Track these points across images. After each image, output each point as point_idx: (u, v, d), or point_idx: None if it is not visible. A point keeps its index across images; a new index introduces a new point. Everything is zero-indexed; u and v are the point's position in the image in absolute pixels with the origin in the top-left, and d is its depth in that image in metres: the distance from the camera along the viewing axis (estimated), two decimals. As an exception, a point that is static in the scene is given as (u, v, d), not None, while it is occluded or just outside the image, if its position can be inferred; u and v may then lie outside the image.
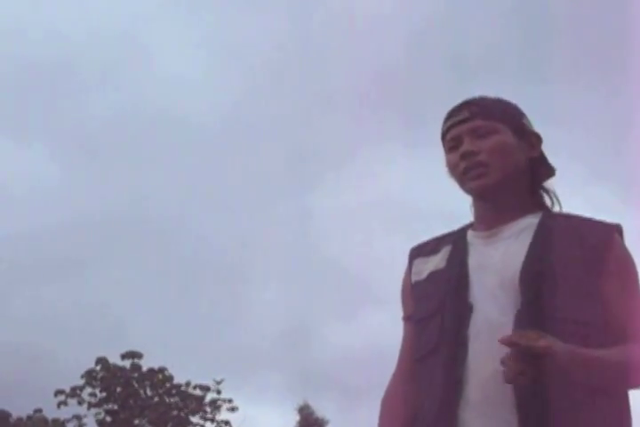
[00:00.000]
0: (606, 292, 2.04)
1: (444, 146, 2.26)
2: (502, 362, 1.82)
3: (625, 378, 2.00)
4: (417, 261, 2.29)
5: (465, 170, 2.16)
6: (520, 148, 2.19)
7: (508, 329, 1.95)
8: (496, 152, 2.15)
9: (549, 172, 2.26)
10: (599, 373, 1.95)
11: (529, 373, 1.80)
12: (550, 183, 2.27)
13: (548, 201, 2.26)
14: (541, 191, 2.26)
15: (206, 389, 18.88)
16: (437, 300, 2.13)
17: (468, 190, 2.20)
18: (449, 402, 2.02)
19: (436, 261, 2.22)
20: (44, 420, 18.32)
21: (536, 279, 2.02)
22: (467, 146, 2.16)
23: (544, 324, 1.96)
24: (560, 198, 2.27)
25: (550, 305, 2.00)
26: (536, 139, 2.24)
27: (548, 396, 1.93)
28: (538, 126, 2.26)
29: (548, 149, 2.26)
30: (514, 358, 1.80)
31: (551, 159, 2.26)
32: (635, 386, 2.04)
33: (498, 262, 2.10)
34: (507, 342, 1.79)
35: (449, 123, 2.24)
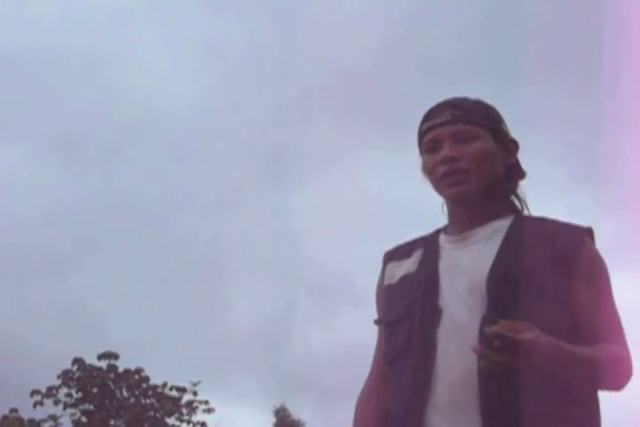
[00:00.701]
0: (577, 294, 2.04)
1: (420, 146, 2.24)
2: (481, 353, 1.80)
3: (597, 376, 1.99)
4: (390, 265, 2.29)
5: (444, 175, 2.15)
6: (499, 154, 2.19)
7: (475, 333, 1.95)
8: (477, 160, 2.13)
9: (521, 175, 2.26)
10: (576, 368, 1.95)
11: (508, 364, 1.79)
12: (527, 187, 2.28)
13: (518, 205, 2.26)
14: (513, 196, 2.26)
15: (183, 390, 18.82)
16: (407, 303, 2.14)
17: (444, 196, 2.19)
18: (416, 405, 2.02)
19: (408, 265, 2.22)
20: (20, 420, 18.20)
21: (503, 283, 2.01)
22: (447, 151, 2.14)
23: None
24: (539, 203, 2.28)
25: (516, 309, 1.99)
26: (514, 145, 2.24)
27: (515, 401, 1.93)
28: (515, 130, 2.26)
29: (526, 153, 2.26)
30: (497, 349, 1.77)
31: (530, 163, 2.26)
32: (605, 385, 2.04)
33: (467, 266, 2.09)
34: (493, 335, 1.77)
35: (429, 124, 2.20)
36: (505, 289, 2.01)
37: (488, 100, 2.26)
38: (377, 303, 2.32)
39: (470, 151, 2.14)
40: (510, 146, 2.23)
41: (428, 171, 2.20)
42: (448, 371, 2.00)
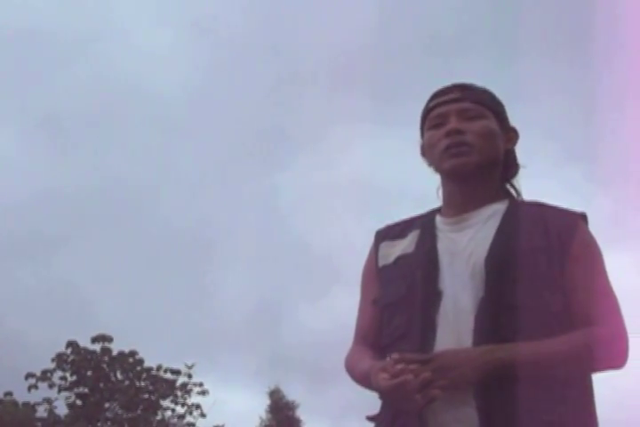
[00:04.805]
0: (571, 277, 2.05)
1: (424, 124, 2.25)
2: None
3: (582, 363, 2.01)
4: (383, 245, 2.26)
5: (447, 147, 2.15)
6: (501, 137, 2.21)
7: (473, 316, 1.98)
8: (482, 135, 2.16)
9: (517, 168, 2.28)
10: (549, 364, 1.97)
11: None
12: (521, 163, 2.29)
13: (512, 192, 2.27)
14: (507, 183, 2.27)
15: (177, 372, 18.88)
16: (406, 285, 2.12)
17: (445, 168, 2.18)
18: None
19: (404, 246, 2.20)
20: (15, 403, 18.24)
21: (501, 266, 2.02)
22: (454, 124, 2.16)
23: (505, 312, 1.98)
24: (533, 179, 2.30)
25: (513, 293, 2.00)
26: (514, 134, 2.27)
27: (509, 384, 1.93)
28: (510, 104, 2.27)
29: (521, 128, 2.27)
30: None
31: (524, 138, 2.28)
32: (598, 368, 2.04)
33: (465, 249, 2.10)
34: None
35: (437, 100, 2.23)
36: (502, 272, 2.01)
37: (483, 74, 2.27)
38: (365, 283, 2.28)
39: (476, 127, 2.16)
40: (511, 134, 2.26)
41: (432, 145, 2.19)
42: None
